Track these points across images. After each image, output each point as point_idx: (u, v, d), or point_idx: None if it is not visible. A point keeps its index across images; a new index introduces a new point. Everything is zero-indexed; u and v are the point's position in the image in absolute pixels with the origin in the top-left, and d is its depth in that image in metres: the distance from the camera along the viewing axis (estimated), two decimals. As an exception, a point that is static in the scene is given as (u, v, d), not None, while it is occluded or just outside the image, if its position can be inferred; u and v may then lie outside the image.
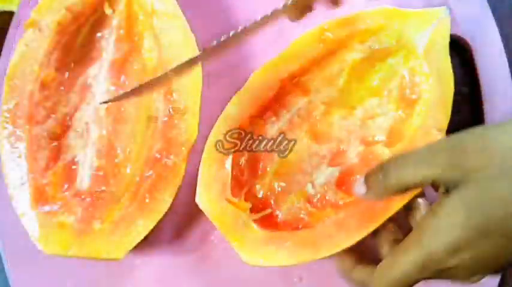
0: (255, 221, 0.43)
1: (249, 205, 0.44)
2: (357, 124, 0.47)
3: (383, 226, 0.41)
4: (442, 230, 0.34)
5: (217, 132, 0.44)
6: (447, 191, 0.35)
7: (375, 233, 0.41)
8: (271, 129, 0.47)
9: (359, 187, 0.39)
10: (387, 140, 0.46)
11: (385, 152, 0.46)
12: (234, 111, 0.45)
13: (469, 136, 0.35)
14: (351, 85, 0.47)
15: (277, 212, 0.46)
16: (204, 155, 0.44)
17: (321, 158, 0.47)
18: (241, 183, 0.45)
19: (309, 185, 0.46)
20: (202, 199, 0.43)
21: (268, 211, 0.45)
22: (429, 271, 0.35)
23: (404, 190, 0.37)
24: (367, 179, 0.39)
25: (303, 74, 0.47)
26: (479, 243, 0.33)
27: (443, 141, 0.37)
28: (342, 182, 0.46)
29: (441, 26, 0.45)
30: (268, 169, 0.46)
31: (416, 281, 0.36)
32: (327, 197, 0.46)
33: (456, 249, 0.34)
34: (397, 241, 0.39)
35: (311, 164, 0.47)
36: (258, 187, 0.46)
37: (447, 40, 0.45)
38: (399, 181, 0.36)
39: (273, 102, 0.47)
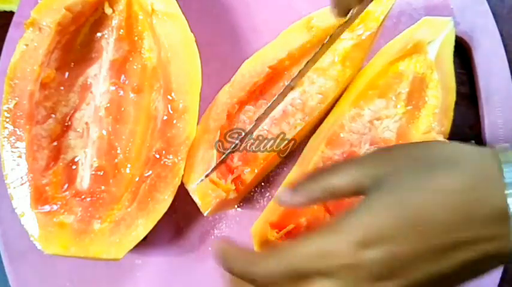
0: (280, 238, 0.43)
1: (232, 187, 0.44)
2: (366, 126, 0.47)
3: None
4: (352, 223, 0.33)
5: (207, 118, 0.45)
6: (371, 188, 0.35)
7: None
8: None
9: (284, 192, 0.38)
10: (396, 142, 0.46)
11: None
12: (224, 97, 0.46)
13: (389, 148, 0.37)
14: (345, 73, 0.47)
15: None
16: (195, 138, 0.44)
17: (334, 162, 0.47)
18: (231, 168, 0.46)
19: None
20: (186, 178, 0.44)
21: (291, 226, 0.45)
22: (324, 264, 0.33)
23: (330, 195, 0.36)
24: (297, 185, 0.38)
25: (293, 64, 0.47)
26: (390, 241, 0.32)
27: (370, 153, 0.38)
28: None
29: (449, 35, 0.47)
30: (259, 156, 0.46)
31: (307, 271, 0.33)
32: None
33: (367, 242, 0.32)
34: None
35: None
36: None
37: (452, 49, 0.47)
38: (326, 184, 0.36)
39: (264, 90, 0.47)
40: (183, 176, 0.44)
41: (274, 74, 0.47)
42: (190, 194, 0.44)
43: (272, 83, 0.48)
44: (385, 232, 0.33)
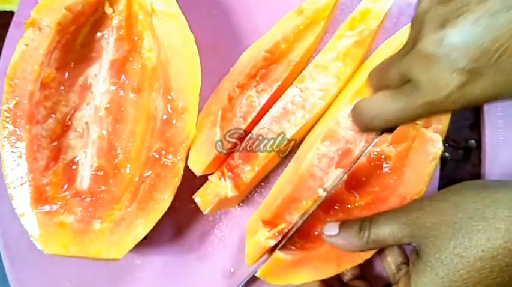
0: (279, 248, 0.44)
1: (231, 185, 0.44)
2: None
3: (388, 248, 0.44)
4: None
5: (209, 104, 0.47)
6: (417, 252, 0.37)
7: (381, 254, 0.44)
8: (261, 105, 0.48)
9: (332, 227, 0.41)
10: (391, 139, 0.46)
11: (392, 151, 0.45)
12: (225, 84, 0.47)
13: (427, 199, 0.38)
14: (346, 70, 0.47)
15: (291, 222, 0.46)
16: (197, 123, 0.45)
17: (329, 160, 0.47)
18: (231, 166, 0.46)
19: (320, 190, 0.46)
20: (192, 161, 0.44)
21: (282, 225, 0.45)
22: None
23: (375, 247, 0.39)
24: (342, 224, 0.40)
25: (289, 48, 0.48)
26: None
27: (411, 204, 0.39)
28: (351, 184, 0.47)
29: None
30: (260, 155, 0.46)
31: None
32: (336, 206, 0.47)
33: None
34: (401, 264, 0.42)
35: (320, 168, 0.46)
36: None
37: None
38: (377, 235, 0.38)
39: (264, 76, 0.48)
40: (187, 159, 0.44)
41: (273, 60, 0.48)
42: (195, 173, 0.44)
43: (272, 69, 0.48)
44: None
